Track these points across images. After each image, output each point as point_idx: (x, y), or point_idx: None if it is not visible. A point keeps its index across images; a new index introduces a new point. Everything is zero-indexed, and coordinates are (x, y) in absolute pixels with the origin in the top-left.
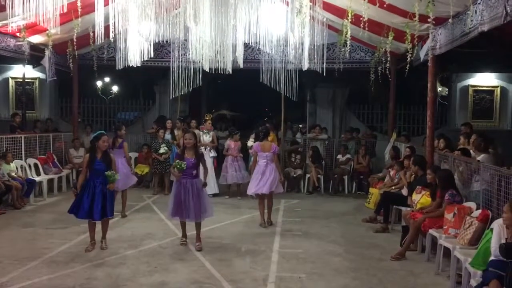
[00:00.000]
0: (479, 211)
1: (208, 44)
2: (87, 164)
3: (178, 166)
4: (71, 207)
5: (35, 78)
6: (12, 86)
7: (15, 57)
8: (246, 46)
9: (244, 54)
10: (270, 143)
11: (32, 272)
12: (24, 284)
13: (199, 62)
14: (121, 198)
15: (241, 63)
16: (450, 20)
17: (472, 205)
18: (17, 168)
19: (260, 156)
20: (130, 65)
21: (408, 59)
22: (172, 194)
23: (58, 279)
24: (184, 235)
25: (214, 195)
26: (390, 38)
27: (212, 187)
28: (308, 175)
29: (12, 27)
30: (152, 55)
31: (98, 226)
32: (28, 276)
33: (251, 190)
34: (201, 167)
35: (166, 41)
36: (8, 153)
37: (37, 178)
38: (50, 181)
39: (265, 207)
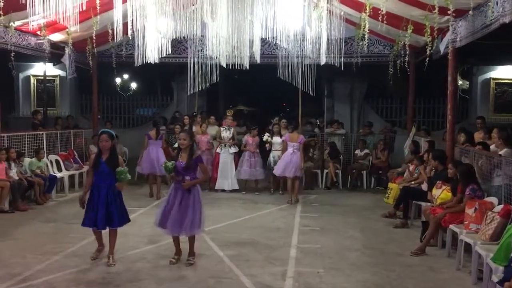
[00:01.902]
0: (501, 206)
1: (225, 40)
2: (92, 165)
3: (164, 166)
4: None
5: (56, 76)
6: (34, 83)
7: (36, 55)
8: (263, 41)
9: (261, 49)
10: (297, 135)
11: (55, 266)
12: (47, 278)
13: (216, 58)
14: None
15: (258, 58)
16: (470, 12)
17: (493, 200)
18: (47, 165)
19: (288, 145)
20: (148, 62)
21: (428, 52)
22: (164, 201)
23: (80, 273)
24: (178, 251)
25: (233, 190)
26: (409, 31)
27: (231, 183)
28: (326, 171)
29: (32, 25)
30: (169, 51)
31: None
32: (51, 270)
33: (277, 171)
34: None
35: (184, 37)
36: (40, 149)
37: (58, 174)
38: (72, 177)
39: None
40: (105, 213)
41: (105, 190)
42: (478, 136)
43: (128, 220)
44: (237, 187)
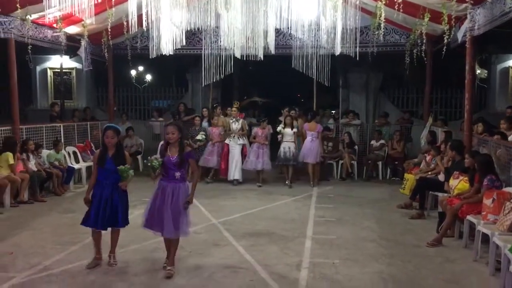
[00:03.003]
0: None
1: (239, 31)
2: (96, 161)
3: (150, 163)
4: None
5: (72, 68)
6: (50, 76)
7: (53, 48)
8: (278, 31)
9: (275, 40)
10: (315, 124)
11: (73, 256)
12: (66, 268)
13: (231, 49)
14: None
15: (272, 49)
16: None
17: None
18: (65, 157)
19: (308, 134)
20: (163, 54)
21: (445, 40)
22: (149, 199)
23: None
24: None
25: (244, 181)
26: (426, 19)
27: (237, 174)
28: (341, 161)
29: (49, 18)
30: (184, 43)
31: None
32: (69, 260)
33: (300, 159)
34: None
35: (198, 29)
36: (58, 141)
37: (76, 166)
38: (89, 168)
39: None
40: (109, 212)
41: (109, 189)
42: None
43: (128, 222)
44: (241, 179)
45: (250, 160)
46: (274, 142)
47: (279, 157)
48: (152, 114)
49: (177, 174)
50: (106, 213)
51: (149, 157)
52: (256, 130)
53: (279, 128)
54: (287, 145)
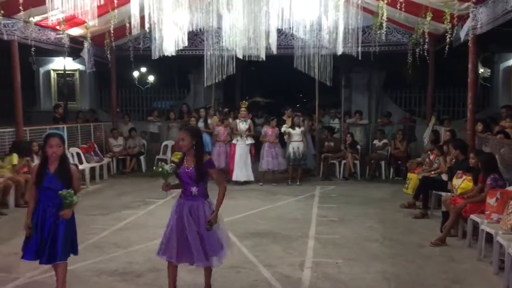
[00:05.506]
0: None
1: (241, 32)
2: (34, 180)
3: (159, 170)
4: (22, 247)
5: (75, 70)
6: (54, 78)
7: (56, 50)
8: (279, 32)
9: (277, 40)
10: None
11: (77, 257)
12: (70, 268)
13: (233, 49)
14: None
15: (274, 50)
16: None
17: None
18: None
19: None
20: (165, 55)
21: (448, 39)
22: (168, 223)
23: (102, 263)
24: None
25: (249, 182)
26: (428, 18)
27: (246, 175)
28: (344, 161)
29: (52, 20)
30: (186, 44)
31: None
32: (73, 260)
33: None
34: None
35: (200, 30)
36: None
37: (80, 167)
38: (92, 169)
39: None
40: (50, 243)
41: (54, 211)
42: (504, 124)
43: (74, 253)
44: (252, 178)
45: (266, 160)
46: (280, 141)
47: (289, 158)
48: (151, 113)
49: (194, 189)
50: (49, 243)
51: (160, 163)
52: (265, 129)
53: (283, 129)
54: (296, 145)
